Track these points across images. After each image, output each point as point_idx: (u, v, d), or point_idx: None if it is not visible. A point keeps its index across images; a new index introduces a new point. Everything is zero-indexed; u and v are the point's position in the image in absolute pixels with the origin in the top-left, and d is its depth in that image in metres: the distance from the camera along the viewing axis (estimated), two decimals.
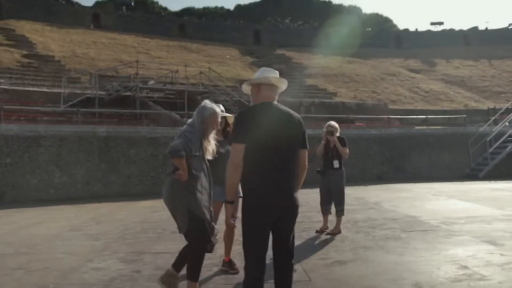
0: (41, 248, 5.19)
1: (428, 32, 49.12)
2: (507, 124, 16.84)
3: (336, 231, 5.78)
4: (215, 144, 3.54)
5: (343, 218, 6.01)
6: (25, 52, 23.33)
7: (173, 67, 19.12)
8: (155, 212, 8.14)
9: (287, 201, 2.65)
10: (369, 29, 48.61)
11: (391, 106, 24.14)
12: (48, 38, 28.95)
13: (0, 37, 25.47)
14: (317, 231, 5.88)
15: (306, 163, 2.81)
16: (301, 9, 55.05)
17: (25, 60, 22.06)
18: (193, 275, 3.27)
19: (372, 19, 57.77)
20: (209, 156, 3.44)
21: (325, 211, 6.04)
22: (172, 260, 3.54)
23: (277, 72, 2.97)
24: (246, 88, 2.98)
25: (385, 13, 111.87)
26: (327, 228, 5.93)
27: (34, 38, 27.28)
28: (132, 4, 47.91)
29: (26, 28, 30.64)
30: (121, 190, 11.75)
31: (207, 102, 3.48)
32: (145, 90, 16.74)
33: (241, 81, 26.14)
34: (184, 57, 30.58)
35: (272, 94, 2.82)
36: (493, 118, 17.35)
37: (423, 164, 15.76)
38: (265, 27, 46.85)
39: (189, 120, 3.44)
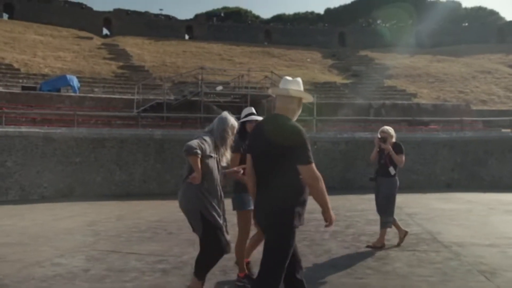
0: (41, 240, 5.57)
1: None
2: None
3: (378, 244, 5.14)
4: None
5: None
6: (121, 64, 25.72)
7: (244, 72, 19.36)
8: (180, 212, 8.24)
9: (263, 217, 2.66)
10: (466, 24, 43.91)
11: (479, 107, 21.50)
12: (145, 51, 31.56)
13: (104, 52, 28.45)
14: (368, 246, 5.20)
15: (310, 180, 2.53)
16: (393, 9, 51.95)
17: (120, 71, 24.31)
18: (200, 273, 3.31)
19: (473, 13, 52.28)
20: (223, 163, 3.47)
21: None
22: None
23: (300, 81, 2.83)
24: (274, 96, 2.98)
25: (489, 5, 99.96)
26: (383, 245, 5.19)
27: (132, 51, 29.96)
28: (222, 14, 49.86)
29: (129, 42, 33.81)
30: (174, 189, 12.05)
31: (227, 114, 3.55)
32: (212, 95, 17.23)
33: (315, 84, 25.71)
34: (265, 62, 30.95)
35: (286, 106, 2.72)
36: None
37: (505, 172, 13.65)
38: (349, 29, 45.17)
39: (207, 128, 3.53)
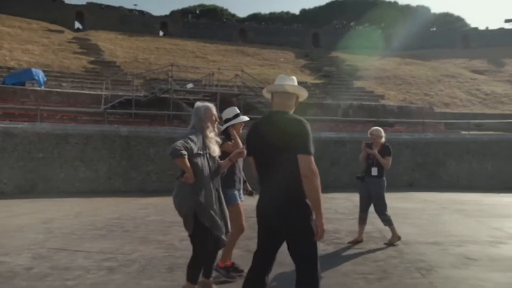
0: None
1: (500, 30, 44.35)
2: None
3: (394, 240, 5.27)
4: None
5: None
6: (92, 59, 25.12)
7: (215, 70, 19.26)
8: (141, 210, 8.18)
9: (270, 212, 2.52)
10: (434, 28, 45.15)
11: (442, 110, 22.15)
12: (118, 46, 30.91)
13: (75, 46, 27.71)
14: (349, 242, 5.37)
15: (306, 171, 2.39)
16: (366, 12, 52.82)
17: (90, 66, 23.74)
18: (192, 277, 3.29)
19: (441, 19, 53.78)
20: (215, 154, 3.39)
21: (361, 221, 5.52)
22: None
23: (294, 78, 2.81)
24: (267, 96, 2.85)
25: (456, 12, 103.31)
26: (361, 241, 5.39)
27: (104, 46, 29.29)
28: (198, 12, 49.43)
29: (102, 37, 33.01)
30: (140, 186, 12.03)
31: (198, 103, 3.50)
32: (182, 92, 17.07)
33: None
34: (239, 60, 30.88)
35: (283, 102, 2.68)
36: None
37: (462, 173, 14.15)
38: (323, 30, 45.65)
39: (190, 125, 3.46)
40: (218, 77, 17.87)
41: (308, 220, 2.43)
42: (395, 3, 55.16)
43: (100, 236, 5.69)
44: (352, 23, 56.18)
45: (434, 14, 54.32)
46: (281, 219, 2.46)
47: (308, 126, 2.51)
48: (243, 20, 53.10)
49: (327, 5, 55.03)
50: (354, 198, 7.76)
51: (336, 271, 4.15)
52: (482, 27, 53.50)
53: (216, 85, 17.28)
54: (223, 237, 3.32)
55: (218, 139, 3.49)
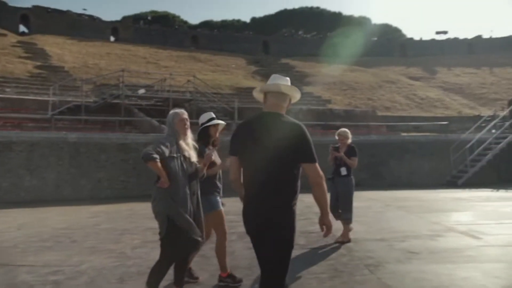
0: None
1: (432, 41, 47.34)
2: (493, 131, 15.64)
3: (345, 240, 5.30)
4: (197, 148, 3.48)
5: None
6: (38, 63, 23.65)
7: (167, 76, 18.82)
8: (91, 218, 7.74)
9: (260, 220, 2.34)
10: (375, 38, 47.27)
11: (384, 113, 23.11)
12: (66, 51, 29.37)
13: (20, 50, 25.96)
14: (337, 241, 5.37)
15: (318, 178, 2.35)
16: (313, 21, 54.23)
17: (36, 71, 22.33)
18: (153, 282, 3.13)
19: (381, 29, 56.33)
20: (193, 159, 3.33)
21: (336, 217, 5.48)
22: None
23: (288, 79, 2.60)
24: (258, 96, 2.66)
25: (394, 23, 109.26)
26: (349, 240, 5.39)
27: (51, 51, 27.71)
28: (150, 18, 48.29)
29: (49, 42, 31.23)
30: (91, 194, 11.43)
31: (171, 110, 3.47)
32: (133, 98, 16.50)
33: (239, 89, 25.88)
34: (191, 66, 30.44)
35: (277, 102, 2.50)
36: (475, 125, 16.15)
37: (403, 172, 14.82)
38: (273, 37, 46.30)
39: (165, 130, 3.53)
40: (170, 83, 17.47)
41: (293, 230, 2.38)
42: (340, 13, 57.13)
43: (46, 248, 5.28)
44: (300, 32, 57.45)
45: (375, 25, 56.86)
46: (270, 226, 2.32)
47: (307, 130, 2.43)
48: (195, 27, 52.54)
49: (277, 14, 55.85)
50: (305, 199, 7.80)
51: (290, 271, 4.10)
52: (417, 37, 56.67)
53: (168, 91, 16.88)
54: (200, 239, 3.23)
55: (195, 144, 3.46)
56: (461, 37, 47.10)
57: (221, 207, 3.79)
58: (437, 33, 49.61)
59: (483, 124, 16.52)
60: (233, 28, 53.60)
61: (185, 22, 56.49)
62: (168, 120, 3.38)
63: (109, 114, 15.05)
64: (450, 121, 21.17)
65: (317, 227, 5.33)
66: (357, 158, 5.62)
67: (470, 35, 47.51)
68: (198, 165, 3.35)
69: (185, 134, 3.36)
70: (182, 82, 19.05)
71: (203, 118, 3.88)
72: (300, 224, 6.47)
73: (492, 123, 15.89)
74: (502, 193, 11.19)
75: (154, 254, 3.96)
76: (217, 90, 21.54)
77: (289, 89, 2.54)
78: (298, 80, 29.34)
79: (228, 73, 29.68)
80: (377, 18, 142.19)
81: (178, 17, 56.99)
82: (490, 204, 8.76)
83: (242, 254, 4.82)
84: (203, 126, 3.79)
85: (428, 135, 16.32)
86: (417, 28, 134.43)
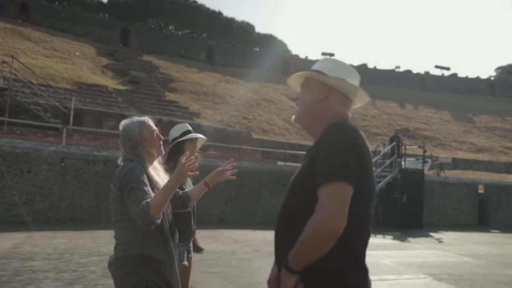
0: None
1: (317, 61, 51.83)
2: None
3: None
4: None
5: None
6: None
7: None
8: None
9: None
10: (257, 49, 49.66)
11: (260, 136, 23.83)
12: None
13: None
14: None
15: (322, 210, 1.60)
16: (187, 16, 54.40)
17: None
18: None
19: (265, 40, 59.60)
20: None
21: None
22: None
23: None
24: (296, 82, 2.03)
25: (279, 36, 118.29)
26: None
27: None
28: None
29: None
30: None
31: (126, 120, 2.71)
32: None
33: (81, 84, 23.91)
34: (14, 44, 27.23)
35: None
36: None
37: (277, 207, 15.01)
38: (135, 27, 44.90)
39: (120, 159, 2.65)
40: None
41: None
42: (220, 13, 58.65)
43: None
44: (170, 26, 57.01)
45: (258, 34, 59.87)
46: None
47: None
48: None
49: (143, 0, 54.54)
50: None
51: None
52: (302, 55, 61.42)
53: None
54: None
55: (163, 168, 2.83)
56: (347, 63, 52.44)
57: (185, 261, 3.57)
58: (323, 54, 54.55)
59: None
60: (84, 5, 50.29)
61: None
62: (130, 136, 2.61)
63: None
64: None
65: None
66: None
67: (355, 62, 53.09)
68: (186, 192, 2.92)
69: (154, 158, 2.68)
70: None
71: (176, 131, 3.72)
72: None
73: (373, 160, 17.49)
74: (379, 239, 12.07)
75: None
76: (48, 81, 19.46)
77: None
78: (161, 84, 28.62)
79: (68, 61, 27.33)
80: (261, 27, 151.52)
81: None
82: (368, 254, 9.20)
83: None
84: (176, 141, 3.61)
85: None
86: (304, 46, 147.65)
